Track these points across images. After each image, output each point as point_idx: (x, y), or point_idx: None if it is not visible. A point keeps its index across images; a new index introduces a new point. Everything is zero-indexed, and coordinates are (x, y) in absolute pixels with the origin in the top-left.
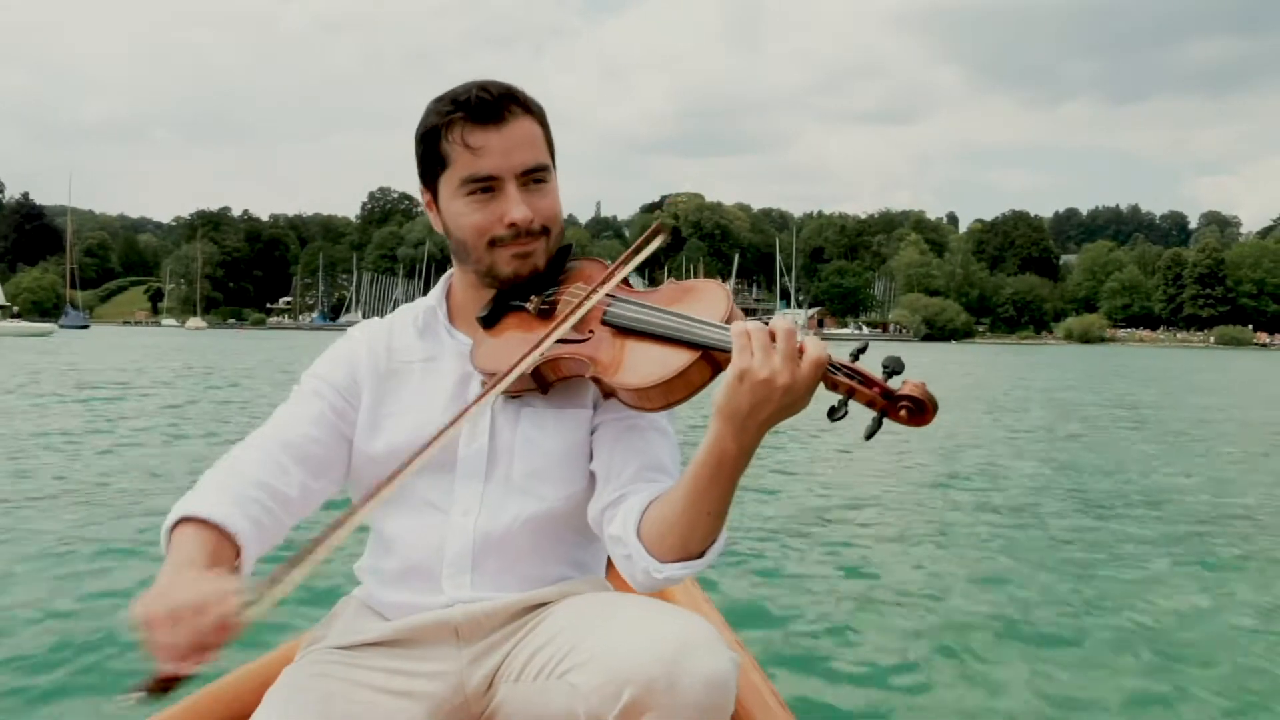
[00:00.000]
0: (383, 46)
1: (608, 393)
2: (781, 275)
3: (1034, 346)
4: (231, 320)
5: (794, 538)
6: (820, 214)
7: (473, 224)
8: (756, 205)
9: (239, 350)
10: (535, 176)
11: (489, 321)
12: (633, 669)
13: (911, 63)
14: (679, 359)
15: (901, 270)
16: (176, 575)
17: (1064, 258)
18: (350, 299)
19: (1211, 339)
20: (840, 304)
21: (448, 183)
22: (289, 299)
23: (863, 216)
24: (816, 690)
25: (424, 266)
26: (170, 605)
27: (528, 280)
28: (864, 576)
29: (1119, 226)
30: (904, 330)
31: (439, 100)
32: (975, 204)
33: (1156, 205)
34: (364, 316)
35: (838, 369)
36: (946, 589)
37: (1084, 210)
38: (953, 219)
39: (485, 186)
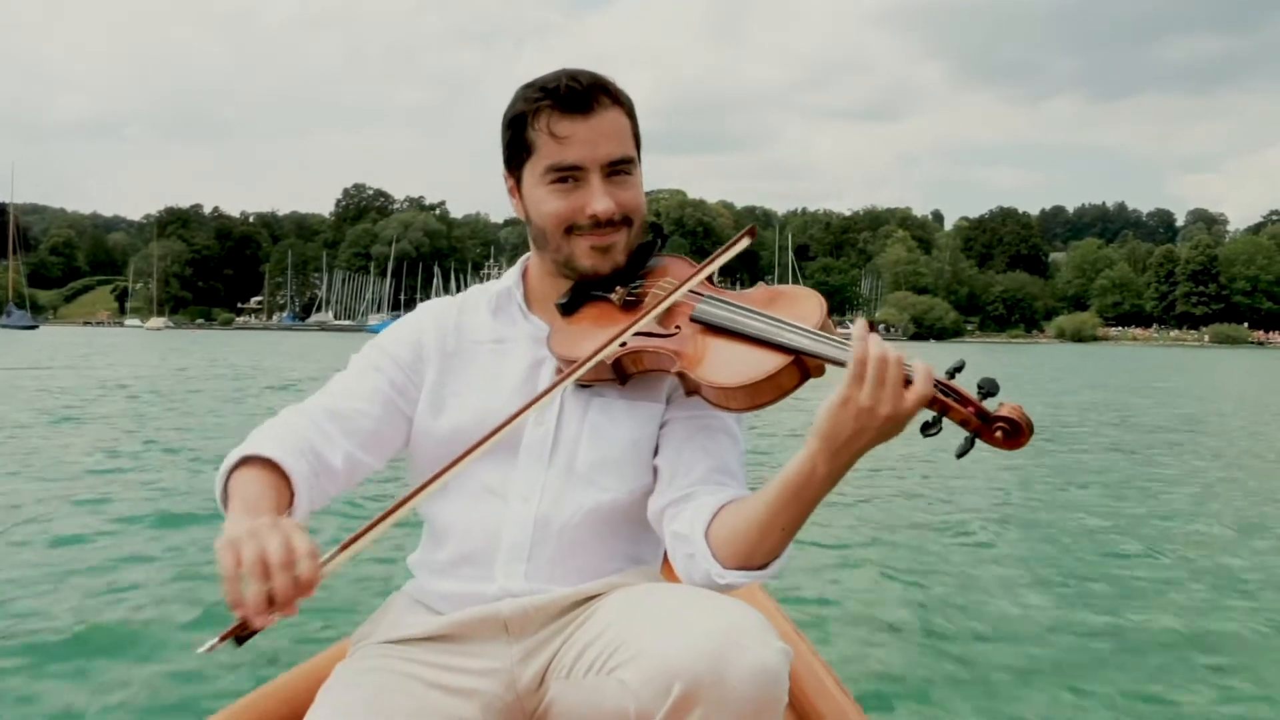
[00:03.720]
0: (361, 43)
1: (691, 390)
2: (765, 273)
3: (1025, 345)
4: (200, 320)
5: (861, 516)
6: (805, 211)
7: (553, 211)
8: (740, 203)
9: (166, 359)
10: (620, 168)
11: (569, 309)
12: (680, 664)
13: (894, 60)
14: (770, 361)
15: (888, 268)
16: (255, 520)
17: (1052, 255)
18: (321, 298)
19: (1206, 337)
20: (827, 302)
21: (532, 170)
22: (260, 298)
23: (847, 214)
24: (880, 676)
25: (392, 264)
26: (259, 555)
27: (608, 275)
28: (934, 562)
29: (1106, 224)
30: (892, 329)
31: (528, 86)
32: (960, 201)
33: (1143, 202)
34: (335, 317)
35: (934, 386)
36: (1012, 581)
37: (1070, 208)
38: (938, 216)
39: (569, 176)
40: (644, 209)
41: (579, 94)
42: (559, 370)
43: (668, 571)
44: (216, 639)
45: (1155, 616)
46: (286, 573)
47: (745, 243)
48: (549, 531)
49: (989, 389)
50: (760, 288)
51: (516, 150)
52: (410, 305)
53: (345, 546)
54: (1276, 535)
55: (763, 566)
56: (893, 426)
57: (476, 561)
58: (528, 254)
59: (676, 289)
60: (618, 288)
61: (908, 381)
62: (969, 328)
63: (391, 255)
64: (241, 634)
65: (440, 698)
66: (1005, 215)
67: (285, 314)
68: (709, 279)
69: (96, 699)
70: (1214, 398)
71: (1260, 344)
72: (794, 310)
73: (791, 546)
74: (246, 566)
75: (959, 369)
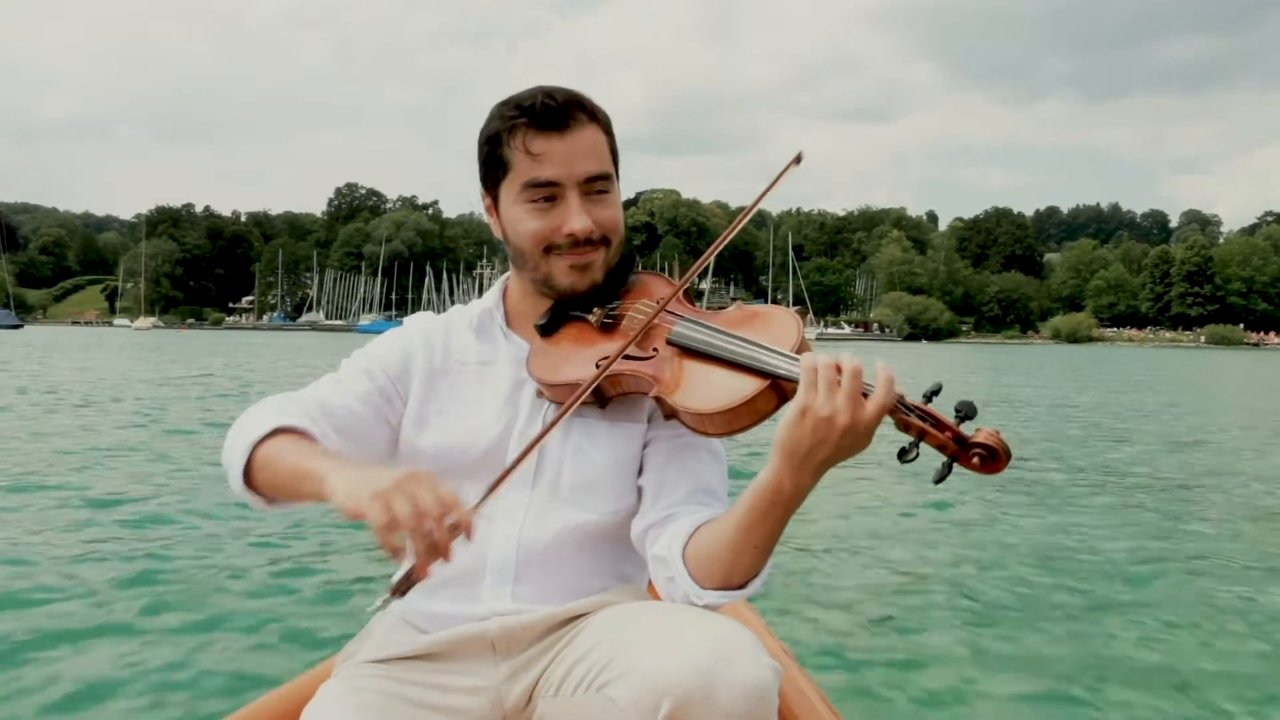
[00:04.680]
0: (353, 42)
1: (669, 414)
2: (759, 274)
3: (1021, 346)
4: (190, 320)
5: (838, 540)
6: (799, 211)
7: (530, 231)
8: (734, 203)
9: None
10: (597, 186)
11: (547, 330)
12: (670, 681)
13: (887, 60)
14: (746, 386)
15: (883, 268)
16: (386, 471)
17: (1046, 256)
18: (312, 298)
19: (1202, 338)
20: (821, 302)
21: (508, 189)
22: (252, 298)
23: (841, 214)
24: (867, 695)
25: (384, 264)
26: (415, 507)
27: (586, 294)
28: (916, 579)
29: (1100, 225)
30: (886, 330)
31: (503, 105)
32: (954, 202)
33: (1136, 203)
34: (327, 317)
35: (910, 410)
36: (1007, 599)
37: (1064, 208)
38: (932, 217)
39: (546, 194)
40: (622, 228)
41: (555, 111)
42: (539, 393)
43: (654, 589)
44: (387, 593)
45: (1177, 647)
46: (444, 522)
47: (794, 169)
48: (534, 552)
49: (966, 412)
50: (737, 307)
51: (493, 169)
52: (402, 305)
53: (490, 491)
54: None
55: (742, 585)
56: (854, 439)
57: (463, 583)
58: (507, 273)
59: (660, 309)
60: (595, 308)
61: (866, 394)
62: (964, 328)
63: (382, 255)
64: (406, 587)
65: (427, 716)
66: (1000, 215)
67: (276, 314)
68: (686, 297)
69: (69, 716)
70: None
71: (1256, 345)
72: (770, 332)
73: (771, 563)
74: (405, 519)
75: (936, 392)
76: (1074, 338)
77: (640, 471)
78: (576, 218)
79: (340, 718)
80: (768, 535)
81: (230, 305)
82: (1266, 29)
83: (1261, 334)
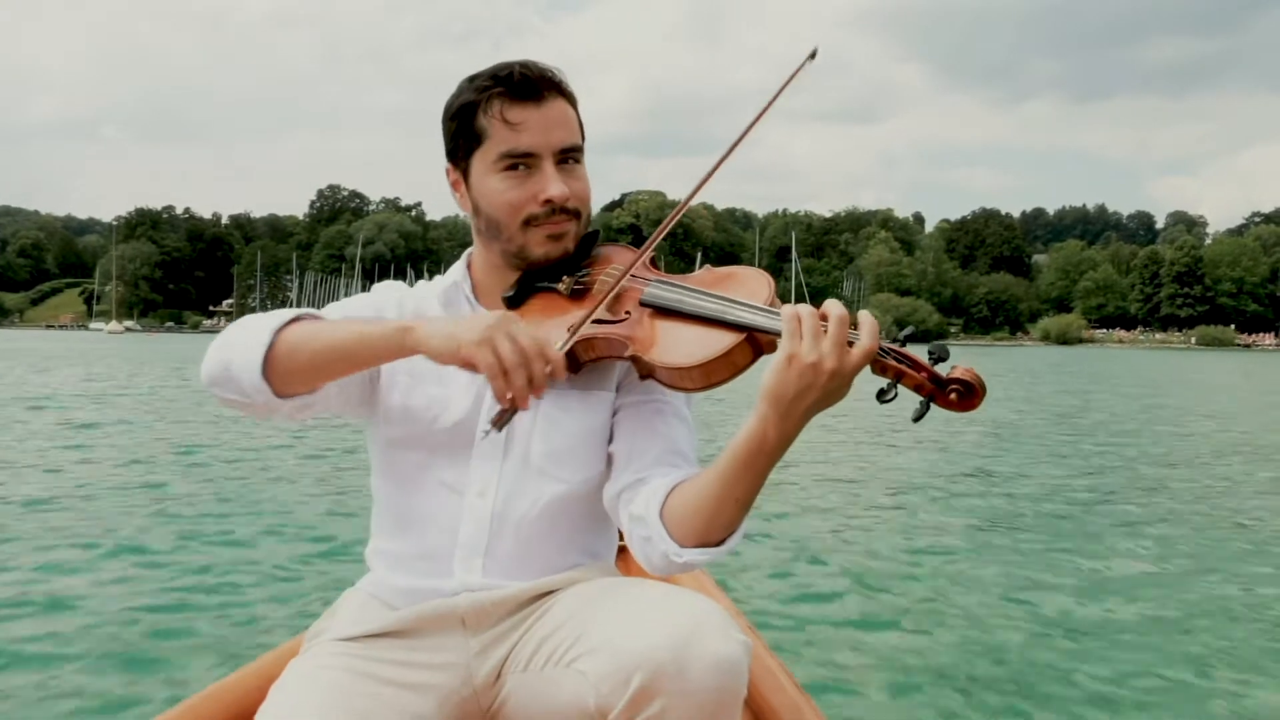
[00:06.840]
0: (338, 43)
1: (645, 373)
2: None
3: (1011, 348)
4: (169, 323)
5: (806, 516)
6: (786, 212)
7: (508, 201)
8: (720, 204)
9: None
10: (571, 156)
11: (515, 302)
12: (641, 655)
13: (874, 62)
14: (723, 339)
15: (871, 269)
16: (479, 317)
17: (1034, 257)
18: (293, 301)
19: (1193, 339)
20: (809, 304)
21: (482, 159)
22: (232, 301)
23: (828, 215)
24: (830, 671)
25: (365, 266)
26: (517, 348)
27: (556, 263)
28: (877, 559)
29: (1086, 226)
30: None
31: (474, 78)
32: (941, 204)
33: (1122, 205)
34: None
35: (886, 353)
36: (961, 572)
37: (1051, 210)
38: (919, 218)
39: (523, 163)
40: (590, 202)
41: (531, 81)
42: None
43: (623, 566)
44: (490, 426)
45: (1121, 612)
46: (542, 359)
47: (808, 65)
48: (506, 526)
49: (940, 354)
50: (706, 270)
51: (464, 140)
52: None
53: (573, 331)
54: None
55: (720, 542)
56: (839, 384)
57: (434, 557)
58: (470, 248)
59: (629, 267)
60: (564, 277)
61: (851, 342)
62: (952, 330)
63: (359, 255)
64: (506, 418)
65: (396, 693)
66: (988, 217)
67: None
68: (653, 264)
69: (38, 695)
70: None
71: (1248, 347)
72: (742, 289)
73: (746, 522)
74: (508, 359)
75: (911, 335)
76: (1064, 339)
77: (610, 439)
78: (553, 184)
79: (308, 696)
80: (749, 488)
81: (210, 308)
82: (1253, 31)
83: (1255, 335)
